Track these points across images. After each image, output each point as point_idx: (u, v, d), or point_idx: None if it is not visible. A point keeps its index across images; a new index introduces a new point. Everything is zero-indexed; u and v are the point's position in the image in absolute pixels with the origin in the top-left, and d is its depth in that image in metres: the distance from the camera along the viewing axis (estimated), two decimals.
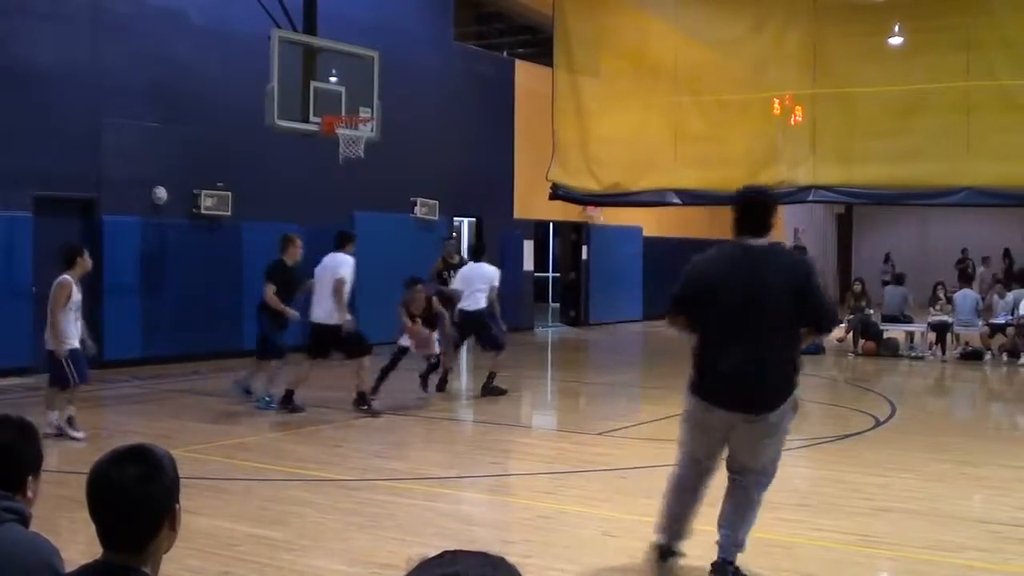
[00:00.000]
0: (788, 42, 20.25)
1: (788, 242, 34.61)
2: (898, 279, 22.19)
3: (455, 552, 1.81)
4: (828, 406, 14.58)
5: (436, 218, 22.02)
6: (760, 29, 20.64)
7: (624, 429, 12.29)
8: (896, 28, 19.58)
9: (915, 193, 20.22)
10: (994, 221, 33.89)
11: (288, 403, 12.67)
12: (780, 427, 6.35)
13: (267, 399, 12.94)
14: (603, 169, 21.77)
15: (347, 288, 12.55)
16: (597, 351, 23.75)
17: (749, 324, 6.13)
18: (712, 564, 6.35)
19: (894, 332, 21.14)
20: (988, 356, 19.89)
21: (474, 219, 24.28)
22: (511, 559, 1.81)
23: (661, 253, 27.42)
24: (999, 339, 20.09)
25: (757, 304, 6.11)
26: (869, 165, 19.44)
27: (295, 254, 13.17)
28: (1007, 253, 33.25)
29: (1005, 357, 19.68)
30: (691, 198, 21.51)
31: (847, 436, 12.09)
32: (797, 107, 20.25)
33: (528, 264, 25.38)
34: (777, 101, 20.34)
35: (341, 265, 12.68)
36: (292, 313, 12.94)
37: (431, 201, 21.90)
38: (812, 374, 17.04)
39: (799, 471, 10.23)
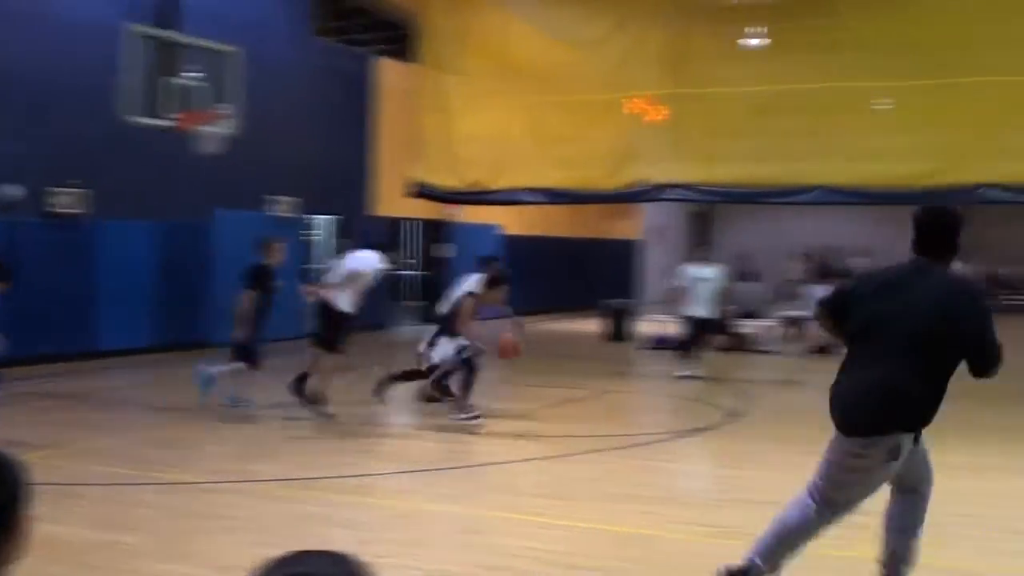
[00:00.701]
0: (650, 42, 20.46)
1: (654, 240, 35.15)
2: (753, 276, 22.72)
3: (302, 552, 1.81)
4: (683, 400, 14.84)
5: (296, 215, 21.79)
6: (622, 29, 20.83)
7: (480, 426, 12.29)
8: (757, 30, 19.96)
9: (772, 191, 20.62)
10: (847, 219, 34.92)
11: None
12: None
13: (236, 399, 12.73)
14: (466, 167, 21.77)
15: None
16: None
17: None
18: None
19: (749, 328, 21.64)
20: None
21: (334, 217, 24.09)
22: (369, 559, 1.81)
23: (524, 251, 27.58)
24: None
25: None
26: (729, 164, 19.75)
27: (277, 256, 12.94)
28: (817, 252, 34.02)
29: None
30: (552, 197, 21.65)
31: (701, 430, 12.31)
32: (658, 107, 20.51)
33: (387, 262, 25.15)
34: (639, 100, 20.59)
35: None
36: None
37: (291, 199, 21.67)
38: (666, 369, 17.33)
39: (656, 465, 10.40)
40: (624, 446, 11.07)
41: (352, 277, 12.33)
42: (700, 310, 16.85)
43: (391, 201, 24.19)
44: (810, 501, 5.88)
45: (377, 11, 24.90)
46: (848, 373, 5.75)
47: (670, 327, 19.94)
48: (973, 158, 18.10)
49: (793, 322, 21.68)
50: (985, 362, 5.41)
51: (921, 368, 5.46)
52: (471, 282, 12.59)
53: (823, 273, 24.92)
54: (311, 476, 9.51)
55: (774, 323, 21.62)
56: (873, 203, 23.29)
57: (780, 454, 10.89)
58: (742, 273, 22.32)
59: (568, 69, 21.18)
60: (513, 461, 10.53)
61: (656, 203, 28.87)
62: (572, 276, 31.08)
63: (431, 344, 12.20)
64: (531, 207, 25.43)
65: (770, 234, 35.98)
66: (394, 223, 25.54)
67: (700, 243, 17.49)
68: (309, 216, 22.77)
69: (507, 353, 12.46)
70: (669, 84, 20.28)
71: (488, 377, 17.19)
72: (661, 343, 20.40)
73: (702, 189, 20.81)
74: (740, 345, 21.02)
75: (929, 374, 5.46)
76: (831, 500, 5.82)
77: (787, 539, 5.95)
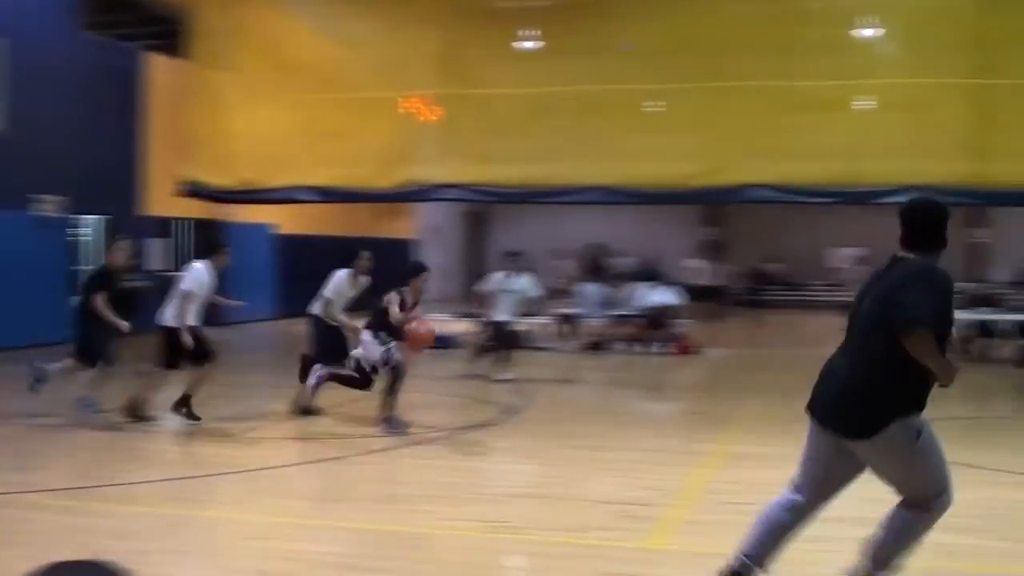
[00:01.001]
0: (426, 42, 20.49)
1: (430, 240, 35.20)
2: (527, 273, 23.01)
3: (59, 564, 1.74)
4: (460, 398, 14.92)
5: (62, 215, 20.98)
6: (398, 29, 20.79)
7: (254, 429, 12.10)
8: (532, 32, 20.22)
9: (546, 191, 20.91)
10: (621, 219, 35.79)
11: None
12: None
13: (91, 402, 12.20)
14: (239, 166, 21.37)
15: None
16: (227, 351, 23.25)
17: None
18: None
19: (523, 325, 21.90)
20: (617, 345, 21.08)
21: (104, 216, 23.31)
22: (137, 568, 1.75)
23: (299, 251, 27.26)
24: (625, 329, 21.34)
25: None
26: (503, 164, 19.94)
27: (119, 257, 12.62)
28: (589, 251, 34.79)
29: (632, 346, 20.96)
30: (327, 195, 21.46)
31: (478, 427, 12.40)
32: (433, 106, 20.58)
33: (158, 263, 24.51)
34: (414, 100, 20.61)
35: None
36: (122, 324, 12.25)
37: (57, 197, 20.85)
38: (442, 368, 17.42)
39: (431, 463, 10.43)
40: (400, 445, 11.05)
41: (187, 297, 12.10)
42: (504, 315, 16.96)
43: (163, 200, 23.55)
44: (794, 496, 5.91)
45: (147, 6, 24.20)
46: (823, 368, 5.89)
47: (450, 326, 20.07)
48: (742, 159, 18.78)
49: (567, 319, 22.20)
50: (895, 315, 5.31)
51: (876, 355, 5.48)
52: (340, 279, 12.98)
53: (594, 271, 25.56)
54: (81, 485, 9.17)
55: (548, 320, 21.98)
56: (646, 202, 24.01)
57: (556, 449, 11.07)
58: (516, 271, 22.57)
59: (343, 67, 21.04)
60: (289, 464, 10.41)
61: (432, 203, 29.00)
62: None
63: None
64: (307, 206, 25.14)
65: (545, 233, 36.54)
66: (165, 223, 24.90)
67: (512, 252, 17.59)
68: (77, 216, 21.95)
69: (419, 343, 12.20)
70: (444, 84, 20.36)
71: (262, 381, 16.98)
72: (439, 342, 20.42)
73: (476, 189, 20.95)
74: (516, 342, 21.22)
75: (888, 359, 5.41)
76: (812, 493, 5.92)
77: (776, 535, 5.95)
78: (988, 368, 19.41)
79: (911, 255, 5.66)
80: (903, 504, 5.75)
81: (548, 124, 19.64)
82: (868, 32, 19.27)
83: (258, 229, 27.66)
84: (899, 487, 5.69)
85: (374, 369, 12.01)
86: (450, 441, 11.50)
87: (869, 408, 5.48)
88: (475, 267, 38.97)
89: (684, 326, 21.54)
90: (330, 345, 13.22)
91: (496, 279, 17.14)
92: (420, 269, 12.42)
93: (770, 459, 10.52)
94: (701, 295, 26.63)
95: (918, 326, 5.24)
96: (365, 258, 13.40)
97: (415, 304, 11.95)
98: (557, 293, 22.00)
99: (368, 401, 12.39)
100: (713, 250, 38.05)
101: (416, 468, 10.27)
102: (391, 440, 11.22)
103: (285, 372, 14.10)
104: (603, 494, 9.07)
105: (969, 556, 7.22)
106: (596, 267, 25.35)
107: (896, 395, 5.47)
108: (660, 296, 21.39)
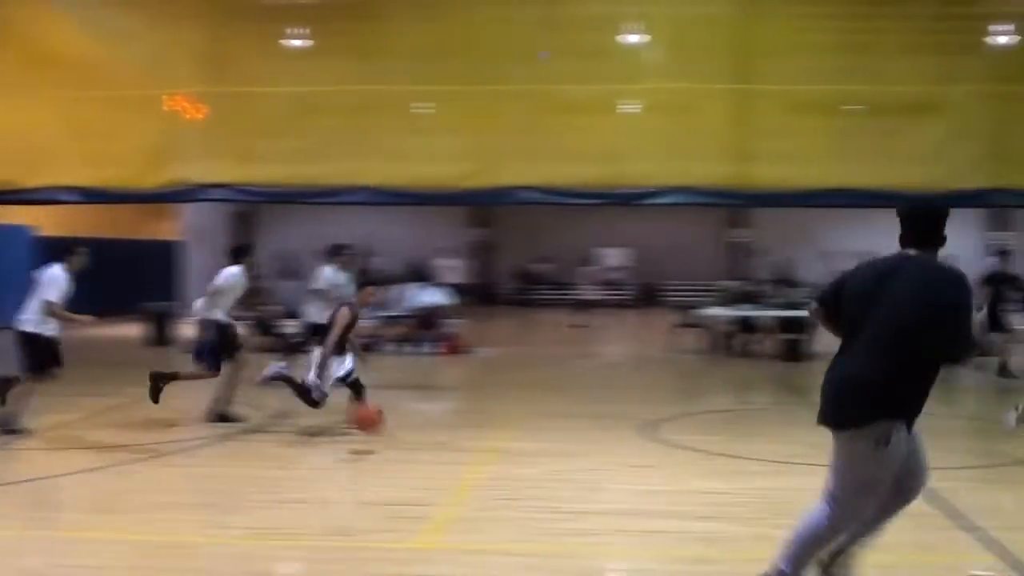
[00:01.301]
0: (192, 39, 19.97)
1: (195, 241, 34.43)
2: (295, 275, 22.84)
3: None
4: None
5: None
6: (163, 25, 20.20)
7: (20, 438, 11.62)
8: (299, 30, 19.98)
9: (314, 192, 20.71)
10: (391, 220, 35.80)
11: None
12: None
13: None
14: None
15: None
16: None
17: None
18: None
19: (293, 327, 21.66)
20: (387, 346, 21.10)
21: None
22: None
23: (61, 254, 26.27)
24: (396, 330, 21.39)
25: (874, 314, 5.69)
26: (269, 164, 19.64)
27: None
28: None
29: (402, 346, 21.03)
30: (90, 196, 20.67)
31: (247, 432, 12.18)
32: (198, 105, 20.11)
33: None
34: (179, 98, 20.10)
35: None
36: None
37: None
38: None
39: (199, 470, 10.21)
40: (165, 453, 10.80)
41: (46, 309, 11.66)
42: (316, 315, 16.55)
43: None
44: (827, 508, 5.74)
45: None
46: (833, 367, 5.79)
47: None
48: (509, 161, 18.99)
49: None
50: (956, 353, 5.59)
51: (899, 357, 5.51)
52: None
53: (363, 271, 25.45)
54: None
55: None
56: (414, 204, 23.96)
57: (327, 452, 10.99)
58: (284, 272, 22.36)
59: (107, 63, 20.32)
60: (52, 476, 10.01)
61: (198, 203, 28.38)
62: (112, 279, 29.90)
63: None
64: (70, 207, 24.27)
65: (313, 234, 36.18)
66: None
67: (336, 249, 17.16)
68: None
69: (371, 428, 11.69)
70: (210, 82, 19.91)
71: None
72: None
73: (243, 189, 20.59)
74: (285, 346, 20.97)
75: (909, 363, 5.51)
76: (842, 502, 5.68)
77: (810, 546, 5.81)
78: (749, 362, 20.24)
79: (918, 252, 5.77)
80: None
81: (316, 124, 19.46)
82: (634, 38, 19.78)
83: (17, 231, 26.52)
84: (834, 485, 5.69)
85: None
86: (213, 448, 11.26)
87: (868, 400, 5.54)
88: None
89: (454, 326, 21.69)
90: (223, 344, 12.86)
91: (327, 275, 16.46)
92: (364, 283, 12.60)
93: (538, 455, 10.71)
94: (468, 294, 26.89)
95: (969, 350, 5.62)
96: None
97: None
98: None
99: (116, 413, 12.03)
100: (482, 251, 38.50)
101: (177, 477, 10.04)
102: (153, 449, 10.92)
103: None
104: (374, 496, 9.06)
105: (730, 543, 7.48)
106: (363, 270, 25.32)
107: (904, 397, 5.57)
108: (430, 296, 21.51)
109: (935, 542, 7.57)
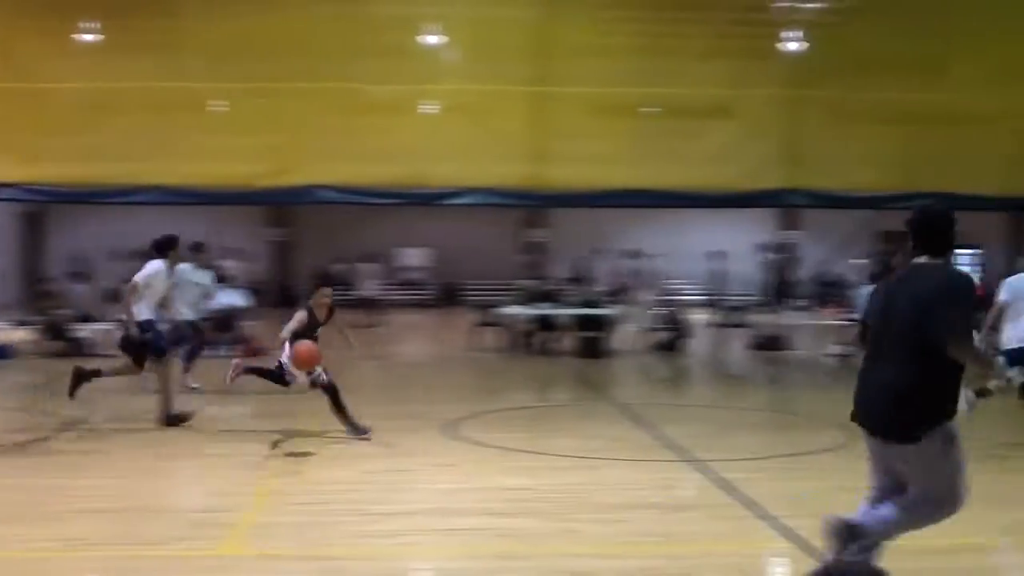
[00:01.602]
0: None
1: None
2: (85, 277, 22.19)
3: None
4: (14, 411, 14.18)
5: None
6: None
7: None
8: (91, 25, 19.44)
9: (107, 191, 20.26)
10: (186, 219, 34.90)
11: None
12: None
13: None
14: None
15: None
16: None
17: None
18: None
19: (84, 331, 21.04)
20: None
21: None
22: None
23: None
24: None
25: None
26: (59, 163, 19.15)
27: None
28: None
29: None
30: None
31: (39, 440, 11.78)
32: None
33: None
34: None
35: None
36: None
37: None
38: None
39: None
40: None
41: None
42: (188, 313, 16.00)
43: None
44: (921, 507, 5.90)
45: None
46: (861, 377, 6.06)
47: (8, 334, 19.07)
48: (308, 160, 18.95)
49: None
50: (945, 342, 5.58)
51: (919, 360, 5.69)
52: None
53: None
54: None
55: (110, 326, 21.09)
56: (212, 203, 23.68)
57: (129, 460, 10.72)
58: (74, 275, 21.71)
59: None
60: None
61: None
62: None
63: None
64: None
65: (105, 234, 35.19)
66: None
67: (197, 246, 16.54)
68: None
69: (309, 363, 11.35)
70: None
71: None
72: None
73: (31, 189, 20.02)
74: (78, 350, 20.35)
75: (928, 365, 5.67)
76: (938, 498, 5.87)
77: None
78: (548, 359, 20.57)
79: (927, 260, 5.92)
80: (900, 497, 5.92)
81: (110, 122, 19.04)
82: (434, 39, 19.90)
83: None
84: (925, 489, 5.85)
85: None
86: (14, 457, 10.87)
87: (916, 413, 5.71)
88: (32, 271, 36.97)
89: (251, 327, 21.37)
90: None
91: (183, 272, 15.69)
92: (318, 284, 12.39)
93: (342, 457, 10.72)
94: (266, 295, 26.57)
95: (960, 337, 5.59)
96: None
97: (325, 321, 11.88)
98: (118, 297, 21.18)
99: None
100: (280, 251, 38.08)
101: None
102: None
103: None
104: (177, 504, 8.94)
105: (535, 538, 7.63)
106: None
107: (938, 400, 5.75)
108: (227, 298, 21.12)
109: (729, 531, 7.87)
